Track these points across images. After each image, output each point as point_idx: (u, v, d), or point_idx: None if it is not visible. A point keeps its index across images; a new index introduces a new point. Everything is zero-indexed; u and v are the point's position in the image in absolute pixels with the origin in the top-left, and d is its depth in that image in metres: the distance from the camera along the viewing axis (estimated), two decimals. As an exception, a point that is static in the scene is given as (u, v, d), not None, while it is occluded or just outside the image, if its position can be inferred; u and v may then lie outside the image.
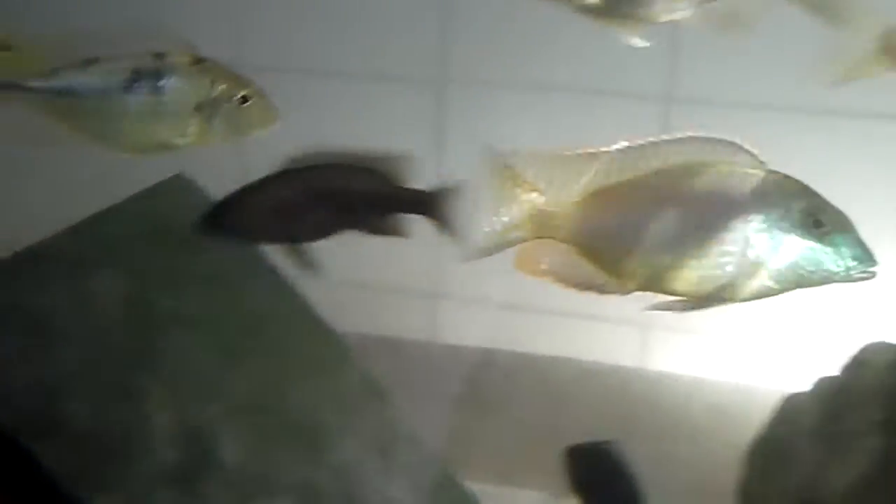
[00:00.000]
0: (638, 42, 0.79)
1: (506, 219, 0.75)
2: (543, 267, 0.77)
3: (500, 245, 0.76)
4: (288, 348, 0.83)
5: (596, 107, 1.14)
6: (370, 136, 1.27)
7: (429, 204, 0.74)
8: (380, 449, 0.82)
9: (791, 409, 0.73)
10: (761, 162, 0.71)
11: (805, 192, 0.69)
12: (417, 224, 1.39)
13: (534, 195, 0.75)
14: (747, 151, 0.71)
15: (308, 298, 0.87)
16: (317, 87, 1.23)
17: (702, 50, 1.07)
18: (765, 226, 0.69)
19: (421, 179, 0.80)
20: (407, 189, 0.74)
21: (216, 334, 0.81)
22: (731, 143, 0.71)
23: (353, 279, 1.31)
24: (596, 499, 0.78)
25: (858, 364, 0.71)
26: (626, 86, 1.12)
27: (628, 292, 0.76)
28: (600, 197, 0.74)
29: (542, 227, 0.74)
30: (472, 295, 1.30)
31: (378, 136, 1.26)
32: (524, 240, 0.77)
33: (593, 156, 0.74)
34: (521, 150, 0.77)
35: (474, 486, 0.94)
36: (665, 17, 0.78)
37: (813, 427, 0.70)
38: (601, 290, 0.77)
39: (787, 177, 0.70)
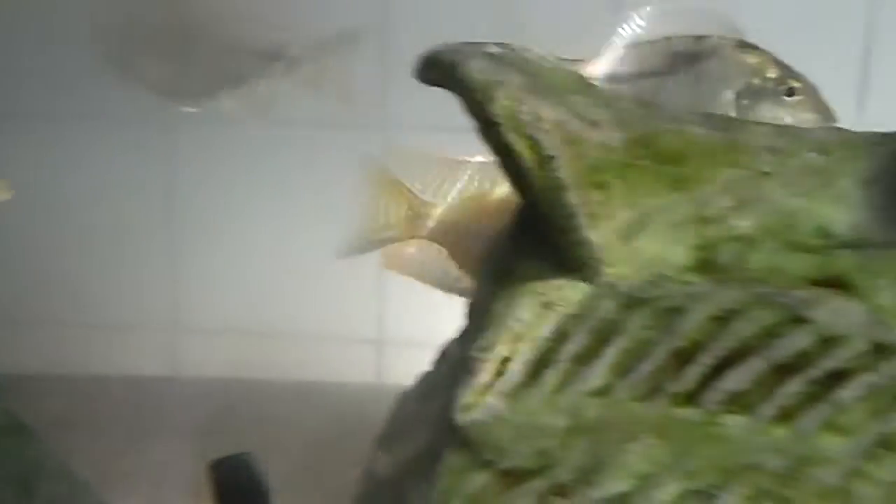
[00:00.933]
0: None
1: (380, 218, 0.77)
2: (411, 268, 0.78)
3: (374, 243, 0.78)
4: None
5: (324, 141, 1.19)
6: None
7: None
8: (20, 484, 0.82)
9: (398, 403, 0.77)
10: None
11: None
12: (156, 259, 1.39)
13: (409, 195, 0.76)
14: None
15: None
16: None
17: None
18: None
19: None
20: None
21: None
22: None
23: (84, 320, 1.31)
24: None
25: (440, 357, 0.75)
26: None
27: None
28: (471, 202, 0.76)
29: (414, 226, 0.76)
30: (211, 326, 1.31)
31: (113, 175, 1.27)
32: (397, 239, 0.78)
33: (465, 163, 0.76)
34: (398, 151, 0.79)
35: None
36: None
37: (405, 419, 0.73)
38: (464, 293, 0.78)
39: None
